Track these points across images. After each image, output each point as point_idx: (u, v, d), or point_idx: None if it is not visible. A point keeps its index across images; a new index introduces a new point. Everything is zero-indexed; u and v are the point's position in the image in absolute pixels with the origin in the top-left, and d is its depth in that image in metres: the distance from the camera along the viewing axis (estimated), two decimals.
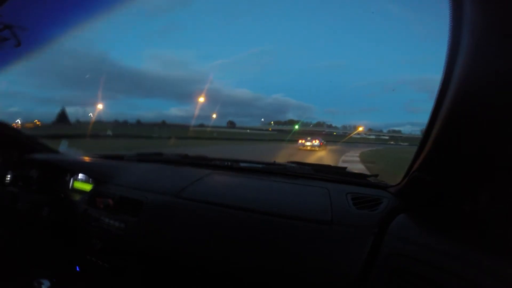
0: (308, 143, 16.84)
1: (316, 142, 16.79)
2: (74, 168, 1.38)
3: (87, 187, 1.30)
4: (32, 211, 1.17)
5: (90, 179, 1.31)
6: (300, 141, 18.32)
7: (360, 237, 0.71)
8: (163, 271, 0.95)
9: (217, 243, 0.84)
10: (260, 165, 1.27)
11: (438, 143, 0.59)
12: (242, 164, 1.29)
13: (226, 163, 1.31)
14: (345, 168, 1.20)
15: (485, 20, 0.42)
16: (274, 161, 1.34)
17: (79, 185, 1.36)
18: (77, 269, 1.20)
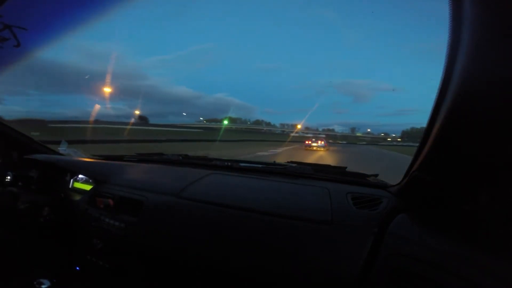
0: (314, 144, 18.56)
1: (321, 143, 18.51)
2: (74, 168, 1.38)
3: (87, 187, 1.30)
4: (32, 211, 1.17)
5: (90, 179, 1.31)
6: (306, 142, 19.75)
7: (360, 237, 0.71)
8: (163, 271, 0.95)
9: (217, 243, 0.84)
10: (260, 165, 1.27)
11: (438, 143, 0.59)
12: (242, 164, 1.29)
13: (226, 163, 1.31)
14: (345, 168, 1.20)
15: (485, 20, 0.42)
16: (274, 161, 1.34)
17: (79, 185, 1.36)
18: (77, 269, 1.20)
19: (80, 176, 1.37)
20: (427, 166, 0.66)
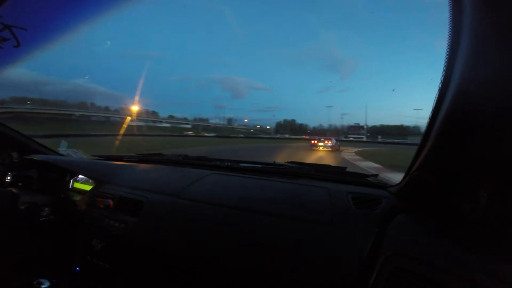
0: (321, 144, 15.83)
1: (328, 143, 15.60)
2: (74, 168, 1.38)
3: (87, 187, 1.30)
4: (32, 211, 1.17)
5: (90, 180, 1.31)
6: (312, 142, 17.01)
7: (361, 236, 0.71)
8: (163, 271, 0.95)
9: (217, 243, 0.84)
10: (260, 165, 1.27)
11: (438, 143, 0.59)
12: (242, 165, 1.29)
13: (226, 164, 1.31)
14: (345, 168, 1.20)
15: (485, 20, 0.42)
16: (274, 161, 1.34)
17: (79, 185, 1.36)
18: (77, 269, 1.20)
19: (80, 176, 1.37)
20: (427, 166, 0.66)
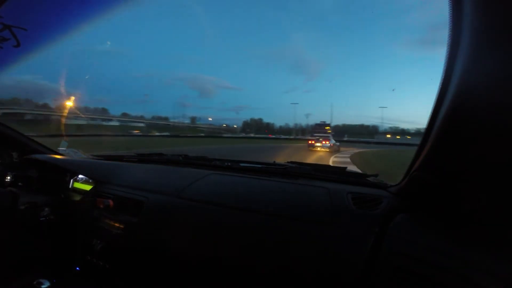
0: (318, 144, 15.12)
1: (326, 143, 14.73)
2: (74, 168, 1.38)
3: (87, 187, 1.30)
4: (32, 211, 1.17)
5: (90, 180, 1.31)
6: (310, 142, 16.41)
7: (361, 236, 0.71)
8: (163, 271, 0.95)
9: (217, 243, 0.84)
10: (260, 165, 1.26)
11: (438, 143, 0.59)
12: (242, 165, 1.29)
13: (226, 164, 1.31)
14: (345, 168, 1.20)
15: (485, 20, 0.42)
16: (274, 161, 1.34)
17: (79, 185, 1.36)
18: (77, 269, 1.20)
19: (80, 176, 1.37)
20: (427, 166, 0.66)
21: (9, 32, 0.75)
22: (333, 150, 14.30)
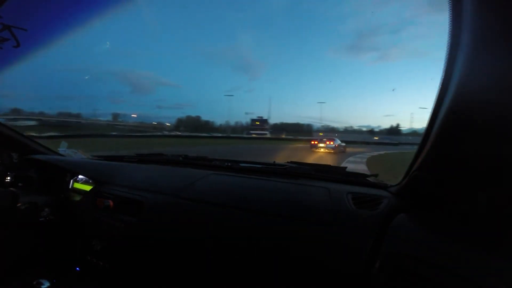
0: (321, 145, 14.07)
1: (330, 144, 13.70)
2: (74, 168, 1.38)
3: (87, 187, 1.30)
4: (32, 211, 1.17)
5: (90, 180, 1.31)
6: (312, 142, 15.42)
7: (361, 236, 0.71)
8: (163, 271, 0.95)
9: (217, 243, 0.84)
10: (260, 166, 1.26)
11: (438, 143, 0.59)
12: (242, 165, 1.29)
13: (226, 164, 1.31)
14: (345, 168, 1.20)
15: (485, 20, 0.42)
16: (274, 161, 1.34)
17: (79, 185, 1.36)
18: (77, 269, 1.20)
19: (80, 176, 1.37)
20: (427, 166, 0.66)
21: (9, 32, 0.75)
22: (339, 151, 13.35)
